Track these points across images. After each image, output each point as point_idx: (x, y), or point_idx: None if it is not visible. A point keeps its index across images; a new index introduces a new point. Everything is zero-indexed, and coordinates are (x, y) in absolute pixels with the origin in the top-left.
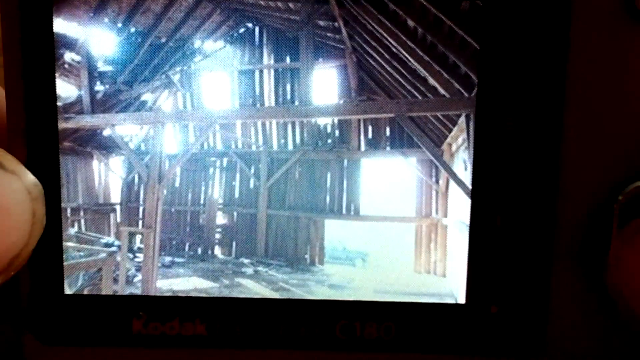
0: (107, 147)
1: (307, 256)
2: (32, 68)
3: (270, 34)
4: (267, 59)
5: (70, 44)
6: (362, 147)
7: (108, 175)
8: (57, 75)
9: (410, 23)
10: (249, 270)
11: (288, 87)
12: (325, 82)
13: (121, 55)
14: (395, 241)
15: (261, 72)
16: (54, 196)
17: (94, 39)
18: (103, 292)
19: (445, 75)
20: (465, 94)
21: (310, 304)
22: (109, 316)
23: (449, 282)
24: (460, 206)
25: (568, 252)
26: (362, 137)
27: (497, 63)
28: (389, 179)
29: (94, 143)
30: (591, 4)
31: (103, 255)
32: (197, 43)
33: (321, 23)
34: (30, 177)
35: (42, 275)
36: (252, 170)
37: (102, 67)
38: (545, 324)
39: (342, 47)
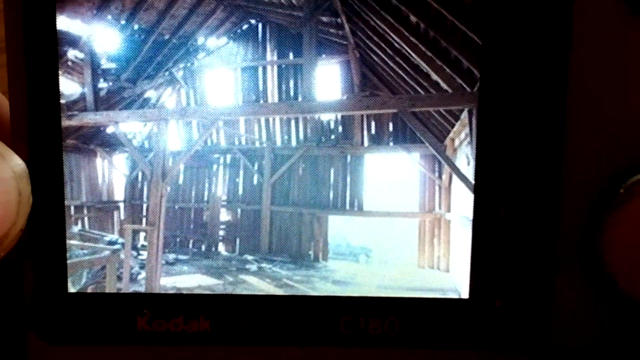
0: (111, 144)
1: (310, 252)
2: (35, 67)
3: (273, 31)
4: (270, 55)
5: (74, 41)
6: (365, 143)
7: (111, 173)
8: (60, 72)
9: (413, 19)
10: (253, 267)
11: (291, 83)
12: (329, 78)
13: (124, 53)
14: (398, 236)
15: (264, 68)
16: (57, 194)
17: (98, 36)
18: (107, 290)
19: (448, 70)
20: (468, 89)
21: (314, 300)
22: (112, 314)
23: (452, 277)
24: (463, 201)
25: (572, 247)
26: (365, 133)
27: (499, 58)
28: (392, 174)
29: (97, 140)
30: None
31: (107, 253)
32: (200, 40)
33: (324, 19)
34: (14, 157)
35: (46, 274)
36: (256, 167)
37: (105, 64)
38: (550, 318)
39: (345, 43)
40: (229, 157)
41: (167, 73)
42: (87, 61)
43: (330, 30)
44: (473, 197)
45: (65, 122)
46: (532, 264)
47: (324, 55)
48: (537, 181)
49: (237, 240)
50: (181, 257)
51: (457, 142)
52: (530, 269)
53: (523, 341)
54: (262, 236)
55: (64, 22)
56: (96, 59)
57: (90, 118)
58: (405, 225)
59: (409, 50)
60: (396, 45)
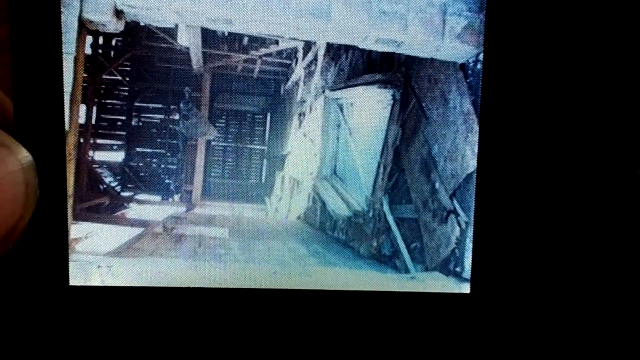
0: None
1: None
2: (38, 66)
3: None
4: None
5: None
6: None
7: None
8: None
9: None
10: None
11: None
12: None
13: None
14: None
15: None
16: (59, 187)
17: None
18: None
19: None
20: None
21: (312, 294)
22: (114, 307)
23: None
24: None
25: (572, 242)
26: None
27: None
28: None
29: None
30: None
31: None
32: None
33: None
34: (21, 149)
35: (47, 267)
36: None
37: None
38: (548, 313)
39: None
40: None
41: None
42: None
43: None
44: (475, 196)
45: None
46: (532, 260)
47: None
48: (537, 179)
49: None
50: None
51: None
52: (530, 265)
53: (524, 337)
54: None
55: None
56: None
57: None
58: None
59: None
60: None
